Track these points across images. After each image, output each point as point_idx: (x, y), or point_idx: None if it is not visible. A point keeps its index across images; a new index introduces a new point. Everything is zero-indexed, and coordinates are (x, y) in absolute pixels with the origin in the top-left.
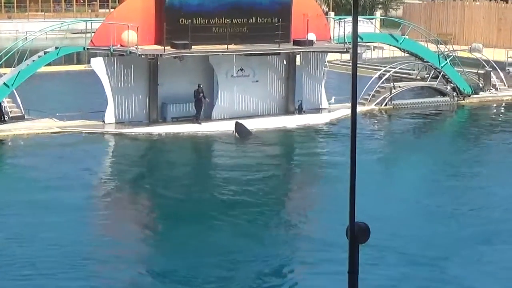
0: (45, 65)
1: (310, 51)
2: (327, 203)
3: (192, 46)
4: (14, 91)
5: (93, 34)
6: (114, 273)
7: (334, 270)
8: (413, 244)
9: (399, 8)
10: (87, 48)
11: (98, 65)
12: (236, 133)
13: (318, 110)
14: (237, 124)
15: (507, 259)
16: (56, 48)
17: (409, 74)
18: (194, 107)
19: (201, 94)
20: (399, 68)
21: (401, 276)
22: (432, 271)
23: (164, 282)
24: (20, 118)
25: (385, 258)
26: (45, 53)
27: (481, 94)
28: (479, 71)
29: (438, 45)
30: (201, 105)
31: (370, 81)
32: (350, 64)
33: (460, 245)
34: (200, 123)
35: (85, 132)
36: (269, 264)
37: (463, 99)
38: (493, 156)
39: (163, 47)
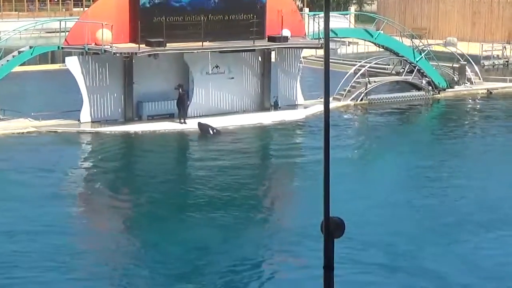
0: (19, 65)
1: (285, 47)
2: (302, 197)
3: (167, 44)
4: None
5: (67, 33)
6: (89, 267)
7: (310, 265)
8: (386, 236)
9: (373, 3)
10: (62, 47)
11: (73, 64)
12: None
13: (293, 106)
14: (199, 124)
15: (479, 249)
16: (31, 47)
17: (384, 69)
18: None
19: (181, 92)
20: (374, 63)
21: (374, 269)
22: (405, 263)
23: (139, 276)
24: None
25: (359, 251)
26: (19, 52)
27: (456, 87)
28: (454, 65)
29: (412, 40)
30: (183, 104)
31: (345, 77)
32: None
33: (432, 236)
34: (183, 123)
35: (61, 131)
36: (243, 259)
37: (438, 93)
38: (466, 149)
39: (137, 45)
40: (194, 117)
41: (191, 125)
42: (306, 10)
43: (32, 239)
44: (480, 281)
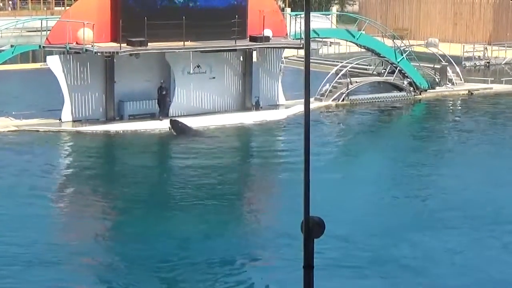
0: (0, 64)
1: (266, 47)
2: (282, 197)
3: (149, 43)
4: None
5: (48, 32)
6: (67, 261)
7: (289, 264)
8: (360, 232)
9: (355, 4)
10: (43, 46)
11: (54, 63)
12: (172, 130)
13: (275, 106)
14: (171, 121)
15: (447, 243)
16: (12, 46)
17: (365, 69)
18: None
19: (164, 92)
20: (356, 64)
21: (350, 266)
22: (378, 256)
23: (117, 270)
24: None
25: (335, 248)
26: (0, 51)
27: (438, 88)
28: (435, 66)
29: (394, 40)
30: (164, 102)
31: (327, 77)
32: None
33: (404, 231)
34: (160, 119)
35: (42, 131)
36: (221, 256)
37: (420, 94)
38: (445, 150)
39: (119, 45)
40: (175, 116)
41: (166, 124)
42: (288, 10)
43: (8, 237)
44: (452, 275)
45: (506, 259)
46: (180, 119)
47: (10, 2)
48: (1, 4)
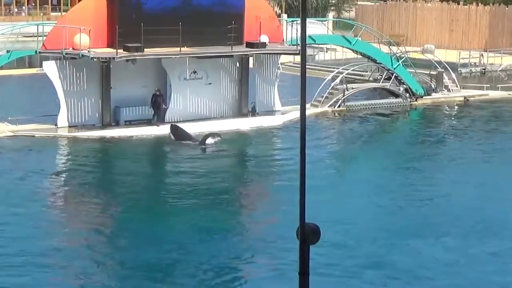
0: None
1: (262, 53)
2: (278, 204)
3: (145, 49)
4: None
5: (45, 37)
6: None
7: (284, 270)
8: (354, 238)
9: (351, 10)
10: (39, 52)
11: (50, 68)
12: (171, 135)
13: (271, 112)
14: (172, 126)
15: (440, 249)
16: (8, 51)
17: (362, 75)
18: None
19: (160, 99)
20: (352, 70)
21: (345, 271)
22: (372, 262)
23: (112, 273)
24: None
25: (330, 254)
26: None
27: (434, 95)
28: (431, 72)
29: (390, 47)
30: (159, 108)
31: (323, 83)
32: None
33: (399, 237)
34: (157, 125)
35: (38, 136)
36: (218, 262)
37: (416, 100)
38: (440, 157)
39: (115, 50)
40: (171, 122)
41: (169, 130)
42: (284, 16)
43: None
44: (444, 282)
45: (497, 266)
46: (179, 125)
47: (24, 7)
48: (16, 9)
